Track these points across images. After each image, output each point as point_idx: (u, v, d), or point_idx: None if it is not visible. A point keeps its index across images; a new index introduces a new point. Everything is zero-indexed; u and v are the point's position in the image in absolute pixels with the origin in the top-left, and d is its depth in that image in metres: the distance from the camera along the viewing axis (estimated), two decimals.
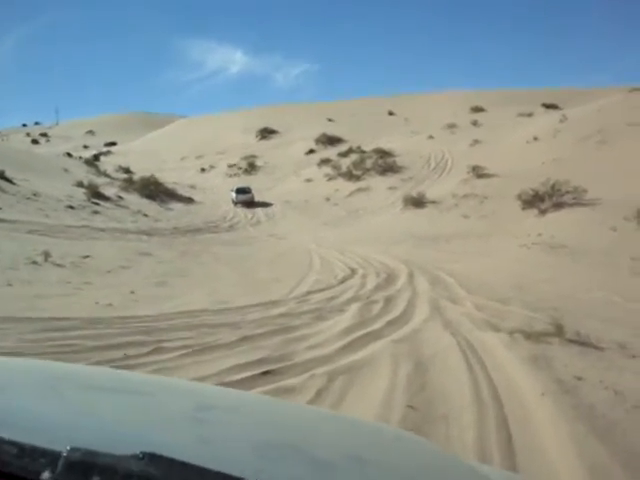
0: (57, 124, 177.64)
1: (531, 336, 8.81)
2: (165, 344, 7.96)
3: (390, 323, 10.27)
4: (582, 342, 8.69)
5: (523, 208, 27.75)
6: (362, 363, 7.54)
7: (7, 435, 1.23)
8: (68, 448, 1.19)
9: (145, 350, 7.58)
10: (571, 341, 8.70)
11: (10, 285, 11.84)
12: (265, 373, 6.82)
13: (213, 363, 7.19)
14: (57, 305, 10.45)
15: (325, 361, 7.56)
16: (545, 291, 14.12)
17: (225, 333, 8.85)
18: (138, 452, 1.21)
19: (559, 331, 8.98)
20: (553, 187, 26.44)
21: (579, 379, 6.95)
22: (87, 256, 17.11)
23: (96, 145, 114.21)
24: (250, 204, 45.79)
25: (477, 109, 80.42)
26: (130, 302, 11.52)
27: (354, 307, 11.54)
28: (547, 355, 7.96)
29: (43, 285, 12.45)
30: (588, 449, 5.07)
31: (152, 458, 1.20)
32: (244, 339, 8.47)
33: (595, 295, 13.85)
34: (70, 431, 1.43)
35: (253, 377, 6.60)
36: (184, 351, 7.63)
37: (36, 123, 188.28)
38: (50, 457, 1.18)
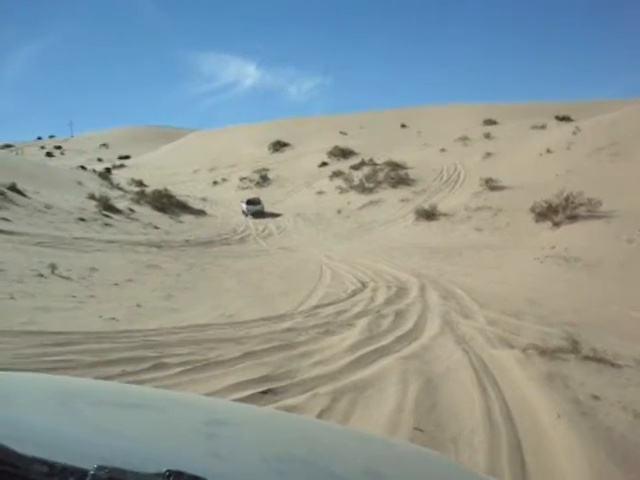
0: (72, 137, 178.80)
1: (546, 353, 8.51)
2: (166, 360, 7.73)
3: (400, 338, 10.01)
4: (599, 359, 8.38)
5: (537, 220, 27.44)
6: (369, 381, 7.26)
7: (26, 451, 1.27)
8: (95, 466, 1.24)
9: (145, 366, 7.35)
10: (587, 358, 8.40)
11: (12, 298, 11.65)
12: (265, 392, 6.54)
13: (212, 381, 6.94)
14: (59, 319, 10.26)
15: (330, 379, 7.28)
16: (559, 305, 13.79)
17: (228, 348, 8.61)
18: (164, 470, 1.25)
19: (575, 347, 8.70)
20: (567, 199, 26.07)
21: (596, 398, 6.65)
22: (94, 269, 16.98)
23: (110, 158, 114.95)
24: (260, 215, 46.54)
25: (490, 122, 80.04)
26: (135, 316, 11.32)
27: (363, 321, 11.29)
28: (562, 373, 7.66)
29: (47, 298, 12.27)
30: (607, 476, 4.78)
31: (177, 476, 1.24)
32: (247, 355, 8.22)
33: (611, 309, 13.51)
34: (87, 447, 1.47)
35: (252, 396, 6.33)
36: (184, 367, 7.39)
37: (51, 136, 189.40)
38: (78, 475, 1.23)
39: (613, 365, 8.21)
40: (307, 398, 6.43)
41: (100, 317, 10.80)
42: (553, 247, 21.98)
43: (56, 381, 2.63)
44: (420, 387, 7.07)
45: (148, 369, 7.25)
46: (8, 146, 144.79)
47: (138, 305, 12.42)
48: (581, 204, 25.61)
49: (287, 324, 10.88)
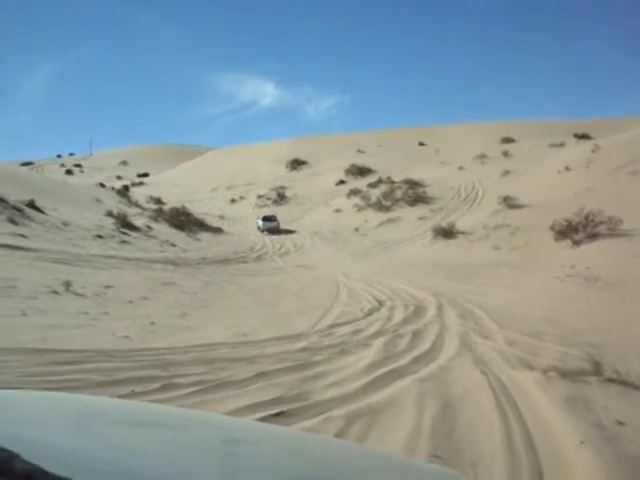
0: (91, 155, 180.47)
1: (567, 375, 8.27)
2: (177, 380, 7.59)
3: (417, 359, 9.80)
4: (622, 381, 8.12)
5: (556, 239, 27.07)
6: (385, 404, 7.06)
7: (48, 468, 1.25)
8: None
9: (155, 386, 7.21)
10: (610, 380, 8.14)
11: (25, 315, 11.58)
12: (278, 414, 6.37)
13: (223, 402, 6.77)
14: (70, 336, 10.16)
15: (344, 401, 7.10)
16: (580, 325, 13.48)
17: (241, 368, 8.47)
18: None
19: (597, 369, 8.45)
20: (587, 217, 25.69)
21: (621, 424, 6.41)
22: (109, 286, 16.94)
23: (129, 176, 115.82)
24: (276, 231, 47.54)
25: (508, 140, 79.88)
26: (148, 334, 11.21)
27: (379, 341, 11.10)
28: (585, 396, 7.41)
29: (60, 315, 12.20)
30: None
31: None
32: (260, 375, 8.06)
33: (634, 330, 13.16)
34: (105, 466, 1.45)
35: (265, 419, 6.15)
36: (195, 388, 7.25)
37: (70, 154, 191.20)
38: None
39: (637, 388, 7.95)
40: (320, 421, 6.25)
41: (113, 335, 10.69)
42: (573, 266, 21.63)
43: (74, 400, 2.64)
44: (437, 410, 6.86)
45: (158, 389, 7.12)
46: (28, 164, 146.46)
47: (152, 323, 12.31)
48: (601, 222, 25.24)
49: (302, 343, 10.72)
